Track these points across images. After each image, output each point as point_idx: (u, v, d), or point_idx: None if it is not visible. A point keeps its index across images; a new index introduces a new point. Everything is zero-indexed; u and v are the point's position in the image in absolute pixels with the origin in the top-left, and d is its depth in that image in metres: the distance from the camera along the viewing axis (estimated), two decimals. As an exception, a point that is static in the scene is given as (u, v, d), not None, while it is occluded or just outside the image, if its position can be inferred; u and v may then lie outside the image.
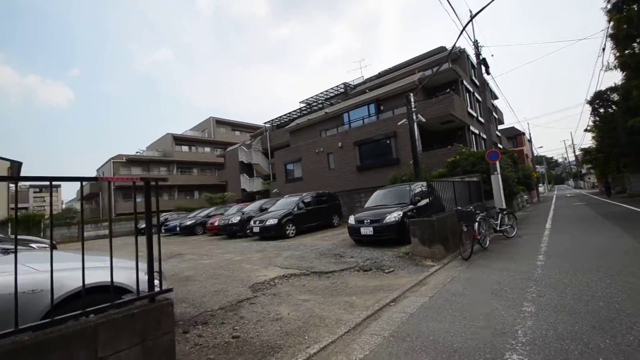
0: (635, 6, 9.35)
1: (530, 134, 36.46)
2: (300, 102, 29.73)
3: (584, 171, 61.33)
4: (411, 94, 12.99)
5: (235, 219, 12.84)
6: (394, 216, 7.52)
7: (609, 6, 10.47)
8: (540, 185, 53.73)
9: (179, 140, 39.25)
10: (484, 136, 22.33)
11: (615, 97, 22.73)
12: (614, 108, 22.46)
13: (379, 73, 28.27)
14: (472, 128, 17.76)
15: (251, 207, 14.05)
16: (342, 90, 27.82)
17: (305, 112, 27.92)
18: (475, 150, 15.62)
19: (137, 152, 40.09)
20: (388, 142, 16.78)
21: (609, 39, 10.72)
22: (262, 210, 13.23)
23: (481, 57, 10.70)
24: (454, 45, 10.04)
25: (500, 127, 32.35)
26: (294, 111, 28.51)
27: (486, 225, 7.47)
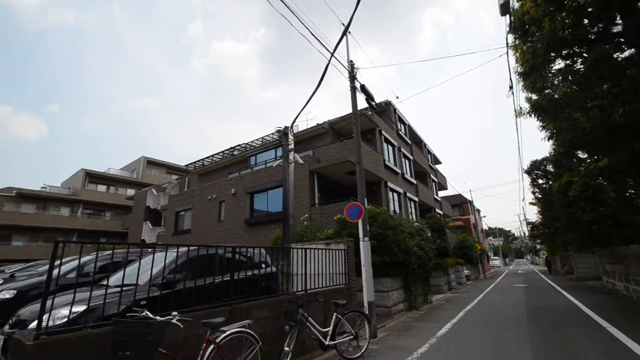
0: (538, 33, 7.35)
1: (472, 201, 34.69)
2: (234, 146, 26.72)
3: (538, 246, 60.54)
4: (289, 127, 9.97)
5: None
6: (56, 317, 3.39)
7: (517, 41, 8.59)
8: (495, 258, 51.42)
9: (94, 177, 33.93)
10: (414, 198, 19.44)
11: (550, 168, 21.40)
12: (550, 179, 21.01)
13: (317, 124, 26.38)
14: (390, 185, 14.83)
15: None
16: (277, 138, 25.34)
17: (227, 155, 24.64)
18: (386, 210, 12.34)
19: (42, 187, 34.09)
20: (281, 192, 13.28)
21: (519, 76, 8.55)
22: (12, 277, 8.26)
23: (358, 83, 8.07)
24: (325, 71, 7.43)
25: (444, 193, 30.49)
26: (217, 153, 25.17)
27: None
